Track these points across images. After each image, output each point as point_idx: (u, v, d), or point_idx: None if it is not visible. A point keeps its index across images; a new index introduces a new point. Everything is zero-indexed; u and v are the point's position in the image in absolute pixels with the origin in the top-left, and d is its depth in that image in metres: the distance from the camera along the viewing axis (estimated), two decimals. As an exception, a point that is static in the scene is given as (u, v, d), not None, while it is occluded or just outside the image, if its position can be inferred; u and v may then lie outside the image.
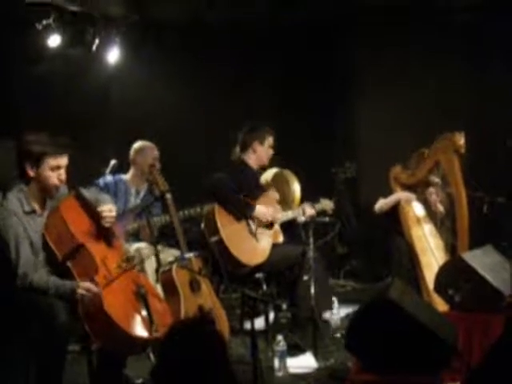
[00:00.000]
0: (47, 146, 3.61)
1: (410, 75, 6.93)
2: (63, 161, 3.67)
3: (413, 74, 6.91)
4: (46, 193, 3.73)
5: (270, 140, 5.33)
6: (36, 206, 3.70)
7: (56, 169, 3.64)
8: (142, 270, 4.57)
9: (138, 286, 3.69)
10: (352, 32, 7.44)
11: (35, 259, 3.61)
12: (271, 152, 5.36)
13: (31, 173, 3.63)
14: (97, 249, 3.70)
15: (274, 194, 5.46)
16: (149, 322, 3.56)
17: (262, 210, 5.12)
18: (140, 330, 3.53)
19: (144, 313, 3.59)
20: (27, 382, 3.53)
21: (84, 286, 3.52)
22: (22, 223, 3.59)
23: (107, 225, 3.77)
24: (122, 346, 3.57)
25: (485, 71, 6.55)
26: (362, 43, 7.41)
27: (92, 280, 3.58)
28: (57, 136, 3.69)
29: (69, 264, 3.64)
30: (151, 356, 4.36)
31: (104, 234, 3.80)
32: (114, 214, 3.81)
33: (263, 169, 5.58)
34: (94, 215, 3.79)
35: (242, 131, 5.37)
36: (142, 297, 3.63)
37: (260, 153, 5.32)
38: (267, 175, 5.81)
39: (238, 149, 5.40)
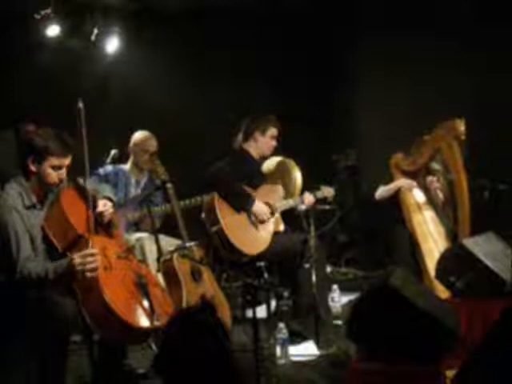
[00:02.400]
0: (52, 144, 3.58)
1: (409, 62, 6.90)
2: (66, 161, 3.65)
3: (413, 60, 6.88)
4: (46, 188, 3.72)
5: (272, 131, 5.24)
6: (36, 200, 3.68)
7: (57, 168, 3.62)
8: (144, 261, 4.58)
9: (138, 275, 3.69)
10: (352, 22, 7.43)
11: (35, 254, 3.60)
12: (273, 143, 5.28)
13: (33, 168, 3.61)
14: (96, 239, 3.68)
15: (276, 187, 5.46)
16: (150, 312, 3.56)
17: (260, 206, 5.04)
18: (141, 320, 3.53)
19: (145, 302, 3.59)
20: (28, 379, 3.53)
21: (79, 255, 3.46)
22: (21, 218, 3.58)
23: (106, 219, 3.76)
24: (123, 336, 3.57)
25: (485, 59, 6.52)
26: (362, 32, 7.40)
27: None
28: (62, 134, 3.67)
29: (69, 256, 3.64)
30: (153, 346, 4.37)
31: (103, 224, 3.80)
32: (109, 208, 3.79)
33: (265, 158, 5.54)
34: (94, 206, 3.79)
35: (246, 120, 5.30)
36: (142, 286, 3.63)
37: (261, 143, 5.25)
38: (269, 164, 5.78)
39: (239, 137, 5.37)
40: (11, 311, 3.53)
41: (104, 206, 3.77)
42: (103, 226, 3.79)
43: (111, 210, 3.81)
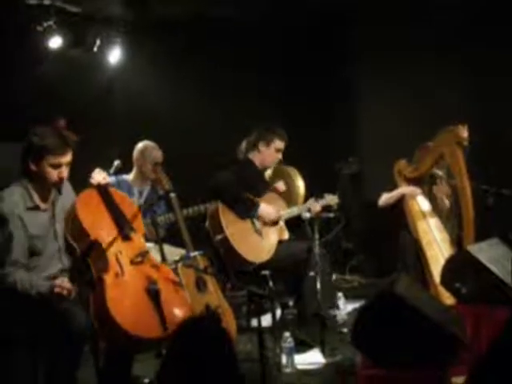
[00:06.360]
0: (49, 142, 3.54)
1: (412, 69, 6.91)
2: (65, 159, 3.59)
3: (415, 68, 6.90)
4: (48, 187, 3.67)
5: (277, 143, 5.25)
6: (39, 201, 3.65)
7: (57, 166, 3.58)
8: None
9: (150, 282, 3.62)
10: (353, 29, 7.45)
11: (28, 260, 3.56)
12: (278, 156, 5.29)
13: (33, 167, 3.57)
14: (111, 244, 3.64)
15: (280, 186, 5.46)
16: (160, 320, 3.50)
17: (266, 209, 5.09)
18: (148, 330, 3.47)
19: (155, 311, 3.52)
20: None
21: (56, 284, 3.45)
22: (21, 221, 3.54)
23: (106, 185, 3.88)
24: (131, 345, 3.53)
25: (486, 65, 6.51)
26: (364, 39, 7.42)
27: (100, 279, 3.55)
28: (60, 132, 3.66)
29: (88, 260, 3.64)
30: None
31: (121, 227, 3.76)
32: (105, 177, 3.93)
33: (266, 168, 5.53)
34: (115, 208, 3.81)
35: (255, 130, 5.32)
36: (154, 293, 3.56)
37: (264, 154, 5.26)
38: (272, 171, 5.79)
39: (243, 146, 5.38)
40: (17, 318, 3.52)
41: (99, 173, 3.88)
42: (121, 230, 3.75)
43: (107, 179, 3.95)
